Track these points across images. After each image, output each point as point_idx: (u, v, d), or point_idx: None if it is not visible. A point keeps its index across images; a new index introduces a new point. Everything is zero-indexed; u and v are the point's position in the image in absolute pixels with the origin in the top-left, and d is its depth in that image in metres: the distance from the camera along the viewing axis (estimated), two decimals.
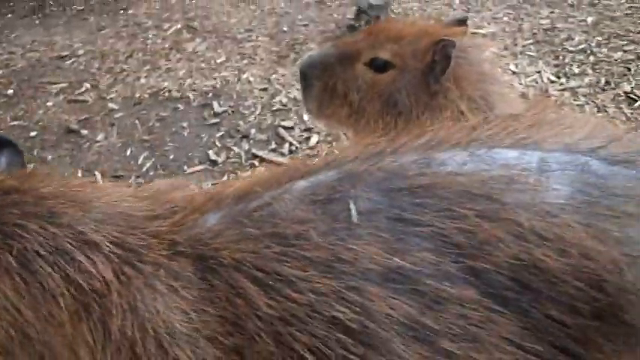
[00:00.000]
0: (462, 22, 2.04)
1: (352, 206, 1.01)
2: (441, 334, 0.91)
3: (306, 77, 2.07)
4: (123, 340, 0.99)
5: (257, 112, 3.84)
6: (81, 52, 4.96)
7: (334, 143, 3.37)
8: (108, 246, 1.04)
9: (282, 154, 3.41)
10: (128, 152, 3.60)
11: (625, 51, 4.05)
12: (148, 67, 4.57)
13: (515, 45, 4.28)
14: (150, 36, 5.12)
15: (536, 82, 3.80)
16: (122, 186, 1.21)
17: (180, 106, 4.01)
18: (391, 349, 0.91)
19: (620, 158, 1.07)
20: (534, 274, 0.92)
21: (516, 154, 1.07)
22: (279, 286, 0.97)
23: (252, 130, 3.65)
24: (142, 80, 4.39)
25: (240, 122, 3.76)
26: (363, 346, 0.92)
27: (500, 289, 0.92)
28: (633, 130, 3.22)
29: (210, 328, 0.98)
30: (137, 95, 4.19)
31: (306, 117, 3.64)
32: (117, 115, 3.99)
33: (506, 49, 4.23)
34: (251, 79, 4.24)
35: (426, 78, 1.82)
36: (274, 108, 3.87)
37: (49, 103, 4.22)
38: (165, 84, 4.29)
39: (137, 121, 3.90)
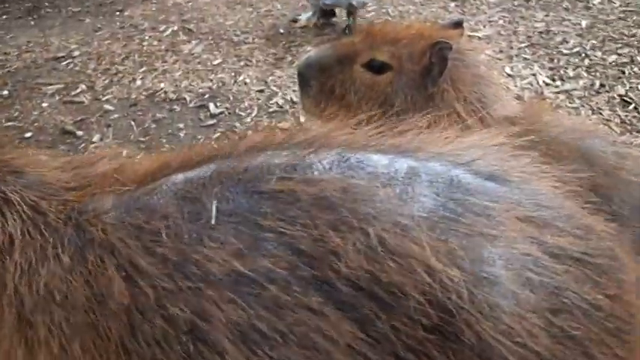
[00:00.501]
0: (458, 24, 2.06)
1: (214, 207, 1.02)
2: (277, 340, 0.94)
3: (303, 78, 2.08)
4: (14, 294, 1.07)
5: (253, 114, 3.84)
6: (76, 53, 4.95)
7: None
8: (21, 206, 1.14)
9: None
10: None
11: (619, 54, 4.08)
12: (144, 68, 4.56)
13: (511, 48, 4.31)
14: (146, 37, 5.11)
15: (532, 85, 3.82)
16: (56, 158, 1.31)
17: (177, 108, 4.00)
18: (220, 351, 0.95)
19: (496, 173, 1.05)
20: (379, 286, 0.93)
21: (387, 161, 1.03)
22: (135, 277, 1.02)
23: (249, 132, 3.65)
24: (138, 82, 4.38)
25: (237, 124, 3.76)
26: (195, 345, 0.97)
27: (345, 297, 0.93)
28: (628, 133, 3.26)
29: (77, 298, 1.05)
30: (133, 96, 4.18)
31: (302, 118, 3.64)
32: (113, 117, 3.97)
33: (501, 51, 4.25)
34: (247, 80, 4.24)
35: (423, 80, 1.83)
36: (271, 110, 3.87)
37: (45, 104, 4.20)
38: (162, 85, 4.28)
39: (133, 123, 3.89)
